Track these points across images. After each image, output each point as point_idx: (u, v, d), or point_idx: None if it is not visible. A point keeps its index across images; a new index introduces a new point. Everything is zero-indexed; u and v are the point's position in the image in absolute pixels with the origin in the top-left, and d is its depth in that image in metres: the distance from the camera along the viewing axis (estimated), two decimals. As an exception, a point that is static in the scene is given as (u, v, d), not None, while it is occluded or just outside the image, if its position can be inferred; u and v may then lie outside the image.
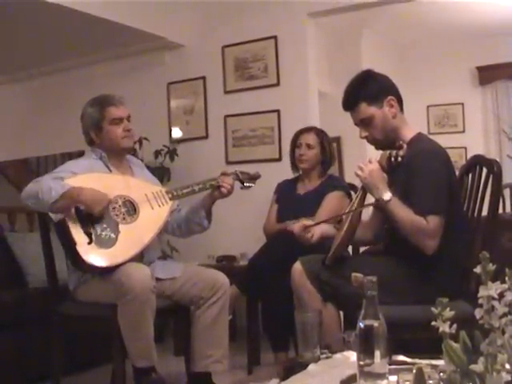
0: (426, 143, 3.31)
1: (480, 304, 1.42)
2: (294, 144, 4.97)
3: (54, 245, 3.86)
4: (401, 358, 2.38)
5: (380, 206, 3.24)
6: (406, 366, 2.13)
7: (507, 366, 1.32)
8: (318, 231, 3.61)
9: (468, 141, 9.33)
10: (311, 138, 4.92)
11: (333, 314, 3.29)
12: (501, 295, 1.42)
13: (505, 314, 1.39)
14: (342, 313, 3.45)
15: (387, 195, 3.14)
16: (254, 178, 4.04)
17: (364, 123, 3.38)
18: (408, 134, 3.35)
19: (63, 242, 3.55)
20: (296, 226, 3.71)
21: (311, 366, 2.36)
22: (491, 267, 1.43)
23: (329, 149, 4.98)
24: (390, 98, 3.35)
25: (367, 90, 3.35)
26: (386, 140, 3.34)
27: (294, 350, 4.19)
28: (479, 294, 1.41)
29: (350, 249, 4.09)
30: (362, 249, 4.46)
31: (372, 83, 3.40)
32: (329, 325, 3.16)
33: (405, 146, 3.19)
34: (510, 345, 1.31)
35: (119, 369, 3.58)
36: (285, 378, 2.27)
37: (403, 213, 3.11)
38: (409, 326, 2.99)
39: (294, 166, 5.03)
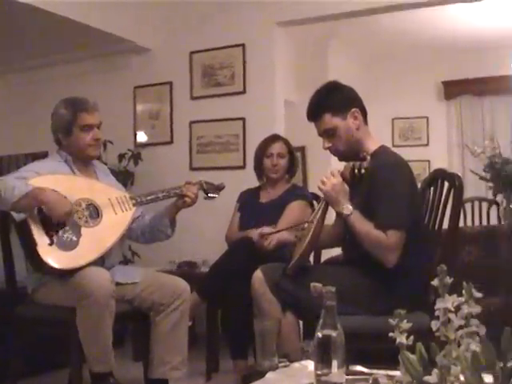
0: (390, 156, 3.34)
1: (437, 316, 1.43)
2: (263, 153, 4.96)
3: (13, 246, 3.83)
4: (358, 368, 2.38)
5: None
6: (362, 376, 2.14)
7: (462, 378, 1.33)
8: (276, 239, 3.63)
9: (432, 154, 9.44)
10: (281, 147, 4.93)
11: (292, 323, 3.29)
12: (458, 308, 1.44)
13: (461, 327, 1.41)
14: (301, 322, 3.46)
15: (347, 209, 3.17)
16: (218, 188, 4.05)
17: (327, 134, 3.40)
18: (371, 146, 3.37)
19: (24, 243, 3.52)
20: (255, 232, 3.74)
21: (269, 375, 2.36)
22: (448, 280, 1.44)
23: (294, 157, 5.03)
24: (354, 109, 3.37)
25: (332, 101, 3.38)
26: (349, 151, 3.36)
27: (253, 357, 4.20)
28: (436, 307, 1.43)
29: (311, 257, 4.10)
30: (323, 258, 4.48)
31: (337, 94, 3.42)
32: (288, 334, 3.17)
33: (368, 157, 3.21)
34: (465, 357, 1.32)
35: (76, 373, 3.56)
36: (243, 385, 2.27)
37: (363, 227, 3.14)
38: (367, 337, 3.01)
39: (261, 174, 5.04)
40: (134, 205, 3.77)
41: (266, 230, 3.90)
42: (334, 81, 3.54)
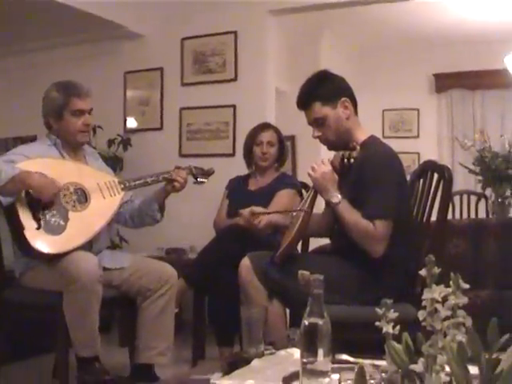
0: (379, 146, 3.34)
1: (423, 306, 1.44)
2: (253, 141, 4.97)
3: (0, 230, 3.81)
4: (344, 356, 2.39)
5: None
6: (348, 365, 2.14)
7: (447, 368, 1.33)
8: (266, 219, 3.63)
9: (422, 146, 9.45)
10: (271, 136, 4.95)
11: (279, 311, 3.30)
12: (445, 299, 1.44)
13: (447, 317, 1.41)
14: (288, 310, 3.47)
15: (336, 198, 3.17)
16: (207, 173, 4.06)
17: (317, 123, 3.39)
18: (361, 136, 3.37)
19: (11, 227, 3.51)
20: (245, 211, 3.74)
21: (255, 362, 2.36)
22: (436, 270, 1.45)
23: (284, 146, 5.05)
24: (344, 99, 3.37)
25: (322, 90, 3.37)
26: (338, 141, 3.36)
27: (239, 345, 4.20)
28: (423, 297, 1.43)
29: (299, 246, 4.10)
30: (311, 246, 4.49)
31: (327, 83, 3.42)
32: (274, 321, 3.17)
33: (358, 147, 3.21)
34: (451, 347, 1.32)
35: (62, 357, 3.57)
36: (228, 372, 2.27)
37: (351, 216, 3.14)
38: (354, 326, 3.02)
39: (250, 162, 5.04)
40: (122, 189, 3.76)
41: (257, 209, 3.89)
42: (324, 70, 3.54)
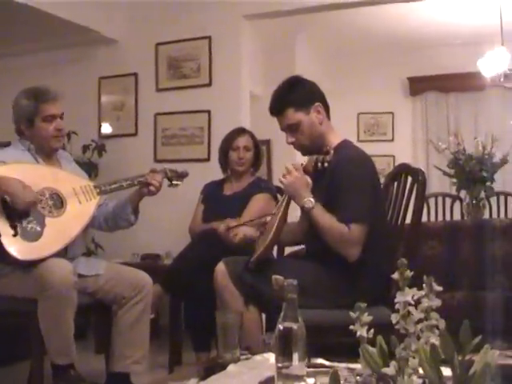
0: (352, 150, 3.35)
1: (397, 309, 1.44)
2: (229, 146, 4.96)
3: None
4: (320, 361, 2.39)
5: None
6: (324, 369, 2.14)
7: (420, 371, 1.34)
8: (242, 232, 3.63)
9: (396, 149, 9.50)
10: (247, 141, 4.96)
11: (254, 316, 3.29)
12: (418, 302, 1.45)
13: (421, 320, 1.42)
14: (264, 315, 3.46)
15: (310, 203, 3.16)
16: (182, 175, 4.04)
17: (291, 129, 3.39)
18: (334, 140, 3.38)
19: (-13, 234, 3.48)
20: (220, 225, 3.74)
21: (230, 367, 2.36)
22: (408, 274, 1.45)
23: (260, 150, 5.05)
24: (317, 104, 3.38)
25: (295, 96, 3.37)
26: (312, 146, 3.37)
27: (216, 350, 4.19)
28: (396, 300, 1.43)
29: (274, 251, 4.10)
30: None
31: (300, 89, 3.42)
32: (250, 326, 3.17)
33: (331, 151, 3.21)
34: (424, 350, 1.33)
35: (37, 365, 3.53)
36: (204, 377, 2.26)
37: (326, 220, 3.14)
38: (330, 330, 3.01)
39: (226, 167, 5.03)
40: (98, 194, 3.74)
41: (232, 222, 3.90)
42: (296, 75, 3.53)
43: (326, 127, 3.40)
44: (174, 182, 4.00)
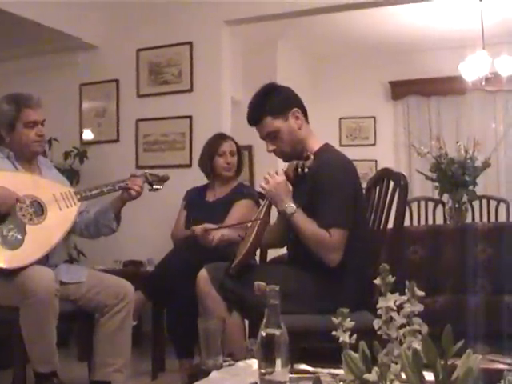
0: (333, 154, 3.35)
1: (379, 315, 1.44)
2: (215, 152, 4.93)
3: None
4: (303, 366, 2.39)
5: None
6: (307, 375, 2.14)
7: (403, 376, 1.33)
8: (219, 234, 3.62)
9: (379, 154, 9.51)
10: (232, 146, 4.96)
11: (237, 322, 3.29)
12: (401, 307, 1.44)
13: (403, 325, 1.41)
14: (247, 321, 3.46)
15: (291, 208, 3.16)
16: (162, 179, 4.03)
17: (270, 137, 3.39)
18: (314, 145, 3.38)
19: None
20: (198, 228, 3.74)
21: (213, 374, 2.35)
22: (390, 279, 1.45)
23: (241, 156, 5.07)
24: (294, 109, 3.37)
25: (271, 104, 3.36)
26: (293, 152, 3.36)
27: (199, 356, 4.18)
28: (378, 305, 1.43)
29: (257, 256, 4.10)
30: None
31: (275, 96, 3.40)
32: (233, 333, 3.16)
33: (312, 156, 3.21)
34: (407, 355, 1.32)
35: (20, 373, 3.52)
36: (187, 384, 2.26)
37: (307, 226, 3.14)
38: (312, 336, 3.02)
39: (209, 173, 5.01)
40: (79, 200, 3.72)
41: (210, 225, 3.91)
42: (271, 83, 3.52)
43: (306, 132, 3.40)
44: (154, 187, 3.99)
